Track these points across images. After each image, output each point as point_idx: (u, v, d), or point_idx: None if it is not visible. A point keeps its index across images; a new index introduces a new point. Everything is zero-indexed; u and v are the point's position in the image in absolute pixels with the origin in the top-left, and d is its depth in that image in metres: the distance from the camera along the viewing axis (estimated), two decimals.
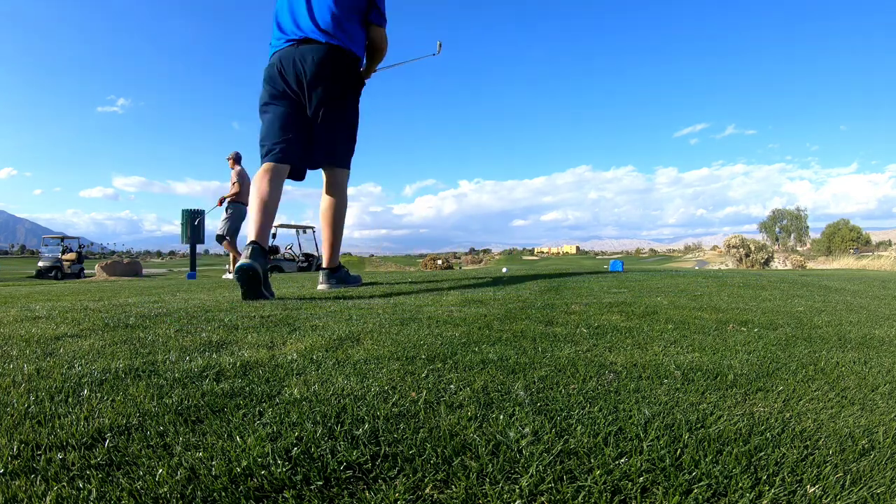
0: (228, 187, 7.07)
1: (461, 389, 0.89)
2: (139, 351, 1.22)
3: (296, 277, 5.34)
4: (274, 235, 15.00)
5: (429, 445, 0.66)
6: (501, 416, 0.76)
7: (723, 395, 0.88)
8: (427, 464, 0.62)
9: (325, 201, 2.85)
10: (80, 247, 19.14)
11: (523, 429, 0.71)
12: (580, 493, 0.56)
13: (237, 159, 6.95)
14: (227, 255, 7.35)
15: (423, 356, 1.13)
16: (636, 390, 0.89)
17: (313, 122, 2.58)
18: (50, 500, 0.54)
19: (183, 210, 7.80)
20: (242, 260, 2.34)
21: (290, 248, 15.43)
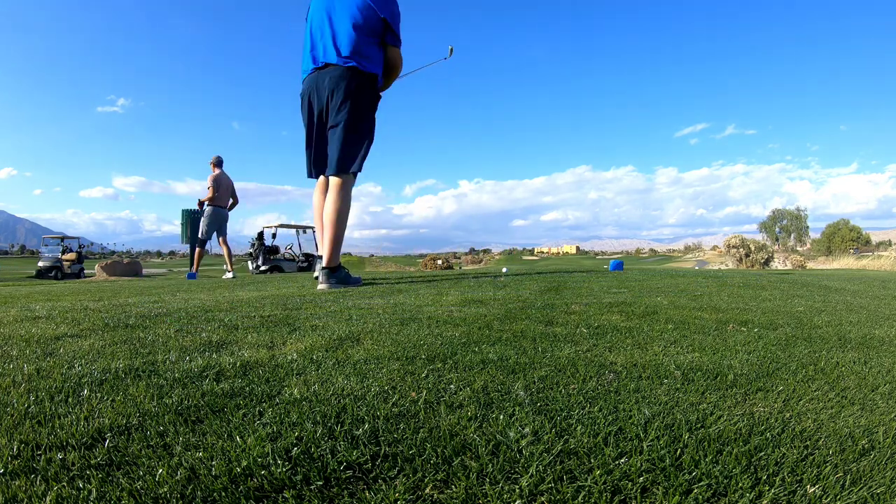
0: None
1: (461, 389, 0.89)
2: (139, 351, 1.22)
3: (296, 277, 5.34)
4: (274, 236, 15.00)
5: (429, 445, 0.66)
6: (501, 416, 0.76)
7: (723, 395, 0.88)
8: (427, 464, 0.62)
9: (325, 203, 3.03)
10: (80, 247, 19.14)
11: (523, 429, 0.71)
12: (580, 493, 0.56)
13: (216, 163, 7.05)
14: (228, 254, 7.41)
15: (423, 356, 1.13)
16: (636, 390, 0.89)
17: (329, 129, 2.94)
18: (50, 500, 0.54)
19: (183, 210, 7.80)
20: (320, 286, 2.91)
21: (290, 248, 15.43)
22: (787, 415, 0.79)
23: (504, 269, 5.72)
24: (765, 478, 0.59)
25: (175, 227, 8.21)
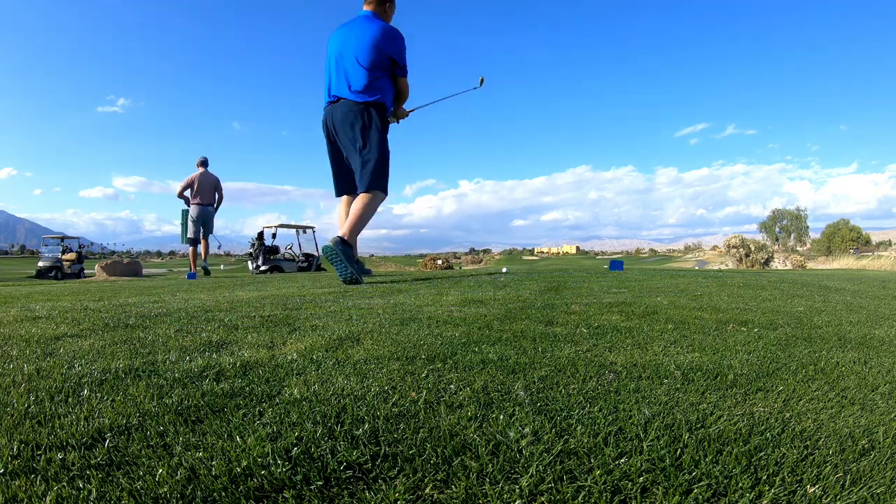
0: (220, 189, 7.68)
1: (461, 389, 0.89)
2: (139, 351, 1.22)
3: (296, 277, 5.34)
4: (274, 236, 15.00)
5: (429, 445, 0.66)
6: (501, 416, 0.76)
7: (723, 395, 0.88)
8: (427, 464, 0.62)
9: (353, 202, 3.44)
10: (80, 247, 19.13)
11: (523, 429, 0.71)
12: (580, 493, 0.56)
13: (199, 163, 7.37)
14: (225, 254, 7.54)
15: (423, 356, 1.13)
16: (636, 390, 0.89)
17: (347, 157, 3.44)
18: (50, 500, 0.54)
19: (183, 210, 7.80)
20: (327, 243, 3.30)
21: (290, 248, 15.42)
22: (787, 415, 0.79)
23: (504, 269, 5.73)
24: (765, 478, 0.59)
25: (175, 227, 8.29)
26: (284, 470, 0.59)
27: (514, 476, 0.59)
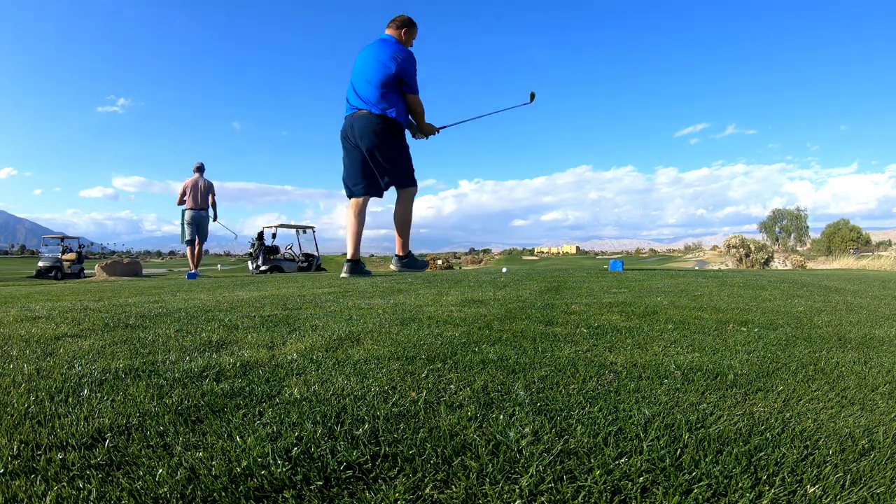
0: (217, 189, 7.96)
1: (461, 389, 0.89)
2: (139, 351, 1.22)
3: (296, 277, 5.34)
4: (274, 236, 14.99)
5: (429, 445, 0.66)
6: (501, 416, 0.76)
7: (723, 395, 0.88)
8: (427, 464, 0.62)
9: (395, 211, 4.11)
10: (80, 247, 19.11)
11: (523, 429, 0.71)
12: (580, 493, 0.56)
13: (195, 169, 7.73)
14: (225, 254, 7.72)
15: (423, 356, 1.13)
16: (636, 390, 0.89)
17: (371, 163, 3.95)
18: (50, 500, 0.54)
19: (183, 210, 7.90)
20: (343, 274, 4.03)
21: (290, 248, 15.42)
22: (787, 415, 0.79)
23: (504, 269, 5.73)
24: (765, 478, 0.59)
25: (175, 227, 8.42)
26: (284, 470, 0.59)
27: (514, 476, 0.59)
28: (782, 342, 1.32)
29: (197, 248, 7.78)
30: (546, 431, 0.70)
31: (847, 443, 0.69)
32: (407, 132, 4.09)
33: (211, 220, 7.93)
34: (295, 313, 1.83)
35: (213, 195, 7.80)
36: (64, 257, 17.31)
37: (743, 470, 0.60)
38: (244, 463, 0.61)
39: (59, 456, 0.64)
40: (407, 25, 3.87)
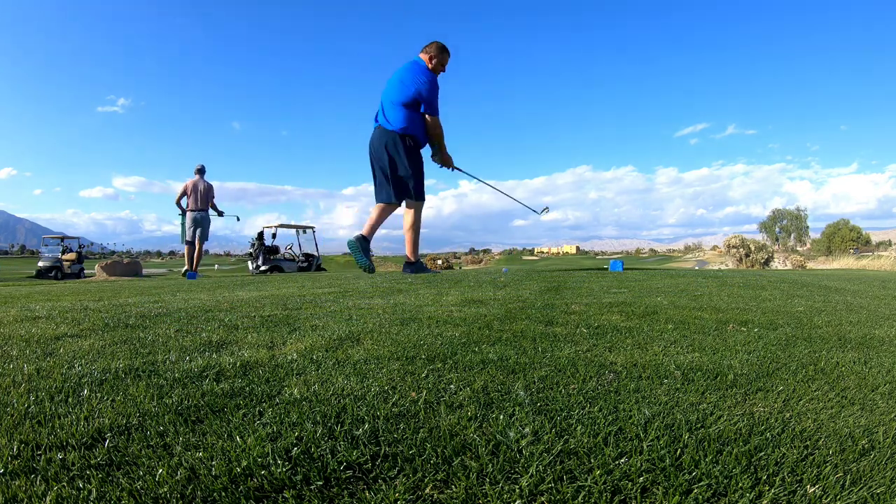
0: (217, 189, 8.16)
1: (461, 389, 0.89)
2: (139, 351, 1.22)
3: (296, 277, 5.34)
4: (274, 236, 14.99)
5: (429, 445, 0.66)
6: (501, 416, 0.76)
7: (723, 395, 0.88)
8: (427, 464, 0.62)
9: (404, 220, 4.43)
10: (80, 247, 19.10)
11: (523, 429, 0.71)
12: (580, 493, 0.56)
13: (196, 171, 7.90)
14: (225, 254, 7.78)
15: (423, 356, 1.13)
16: (636, 390, 0.89)
17: (382, 174, 4.27)
18: (50, 500, 0.54)
19: (183, 210, 7.99)
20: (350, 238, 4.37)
21: (290, 248, 15.42)
22: (787, 415, 0.79)
23: (504, 269, 5.73)
24: (765, 478, 0.59)
25: (175, 227, 8.52)
26: (284, 470, 0.59)
27: (514, 476, 0.59)
28: (782, 342, 1.32)
29: (197, 248, 7.92)
30: (546, 431, 0.70)
31: (847, 443, 0.69)
32: (428, 152, 4.45)
33: (216, 215, 8.15)
34: (295, 313, 1.83)
35: (213, 197, 8.00)
36: (64, 257, 17.31)
37: (743, 470, 0.60)
38: (244, 463, 0.61)
39: (59, 456, 0.64)
40: (436, 51, 4.14)
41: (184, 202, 7.88)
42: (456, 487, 0.57)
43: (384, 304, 2.07)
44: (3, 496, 0.56)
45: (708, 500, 0.55)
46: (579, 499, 0.55)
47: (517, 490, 0.56)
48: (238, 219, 9.12)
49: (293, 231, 16.39)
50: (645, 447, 0.66)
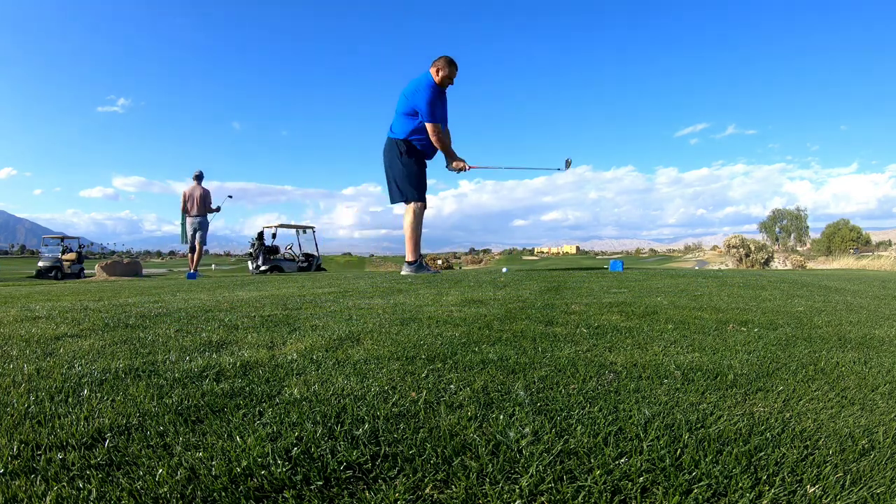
0: (216, 190, 8.23)
1: (461, 389, 0.89)
2: (139, 351, 1.22)
3: (296, 277, 5.34)
4: (274, 236, 14.98)
5: (429, 445, 0.66)
6: (501, 416, 0.76)
7: (723, 395, 0.88)
8: (427, 464, 0.62)
9: (403, 220, 4.66)
10: (80, 247, 19.09)
11: (523, 429, 0.71)
12: (580, 493, 0.56)
13: (193, 177, 8.29)
14: (225, 254, 7.92)
15: (423, 356, 1.13)
16: (636, 390, 0.89)
17: (389, 178, 4.67)
18: (50, 500, 0.54)
19: (183, 216, 8.27)
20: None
21: (290, 248, 15.42)
22: (787, 415, 0.79)
23: (504, 269, 5.73)
24: (765, 478, 0.59)
25: (175, 227, 8.74)
26: (284, 470, 0.59)
27: (514, 476, 0.59)
28: (782, 342, 1.32)
29: (198, 250, 8.26)
30: (546, 431, 0.70)
31: (847, 443, 0.69)
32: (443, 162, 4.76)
33: (215, 213, 8.49)
34: (295, 313, 1.83)
35: (210, 202, 8.46)
36: (64, 257, 17.30)
37: (743, 470, 0.60)
38: (244, 463, 0.61)
39: (59, 456, 0.64)
40: (443, 64, 4.41)
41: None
42: (456, 487, 0.57)
43: (384, 304, 2.07)
44: (3, 496, 0.56)
45: (708, 500, 0.55)
46: (579, 499, 0.55)
47: (517, 490, 0.56)
48: (230, 196, 9.28)
49: (293, 231, 16.39)
50: (645, 447, 0.66)
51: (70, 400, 0.85)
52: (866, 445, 0.68)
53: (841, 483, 0.58)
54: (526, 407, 0.80)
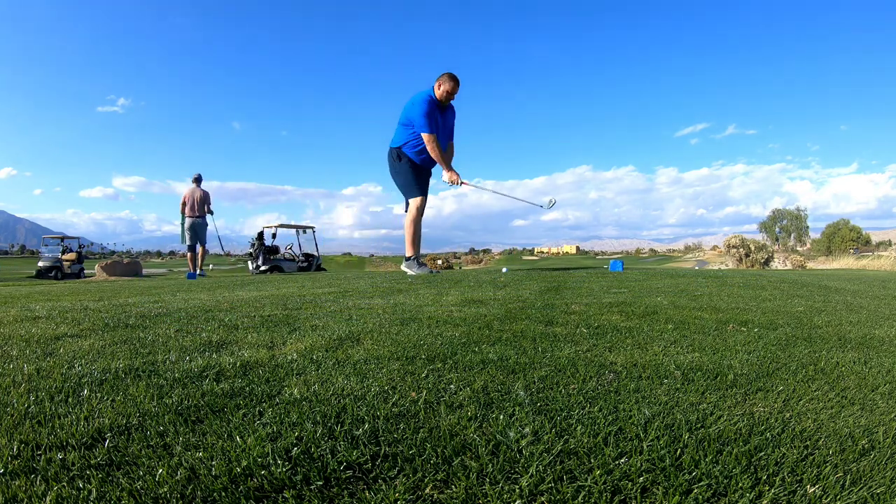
0: (217, 189, 8.38)
1: (461, 389, 0.89)
2: (139, 351, 1.22)
3: (296, 277, 5.34)
4: (274, 236, 14.98)
5: (429, 445, 0.66)
6: (501, 416, 0.76)
7: (723, 395, 0.88)
8: (427, 464, 0.62)
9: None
10: (80, 247, 19.08)
11: (523, 429, 0.71)
12: (580, 493, 0.56)
13: (194, 179, 8.50)
14: (225, 254, 8.05)
15: (423, 356, 1.13)
16: (636, 390, 0.89)
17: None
18: (50, 500, 0.54)
19: (183, 217, 8.40)
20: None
21: (290, 248, 15.42)
22: (787, 415, 0.79)
23: (504, 269, 5.73)
24: (765, 478, 0.59)
25: (175, 227, 8.82)
26: (284, 470, 0.59)
27: (514, 476, 0.59)
28: (782, 342, 1.32)
29: (199, 251, 8.42)
30: (546, 431, 0.70)
31: (847, 443, 0.69)
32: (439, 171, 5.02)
33: (212, 216, 8.66)
34: (295, 313, 1.83)
35: (209, 203, 8.61)
36: (64, 257, 17.30)
37: (743, 470, 0.60)
38: (244, 463, 0.61)
39: (59, 456, 0.64)
40: (444, 79, 4.65)
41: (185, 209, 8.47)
42: (456, 487, 0.57)
43: (384, 304, 2.07)
44: (3, 496, 0.56)
45: (708, 500, 0.55)
46: (579, 499, 0.55)
47: (517, 490, 0.56)
48: (221, 184, 9.43)
49: (293, 231, 16.39)
50: (645, 447, 0.66)
51: (70, 400, 0.85)
52: (866, 445, 0.68)
53: (841, 483, 0.59)
54: (526, 407, 0.80)
